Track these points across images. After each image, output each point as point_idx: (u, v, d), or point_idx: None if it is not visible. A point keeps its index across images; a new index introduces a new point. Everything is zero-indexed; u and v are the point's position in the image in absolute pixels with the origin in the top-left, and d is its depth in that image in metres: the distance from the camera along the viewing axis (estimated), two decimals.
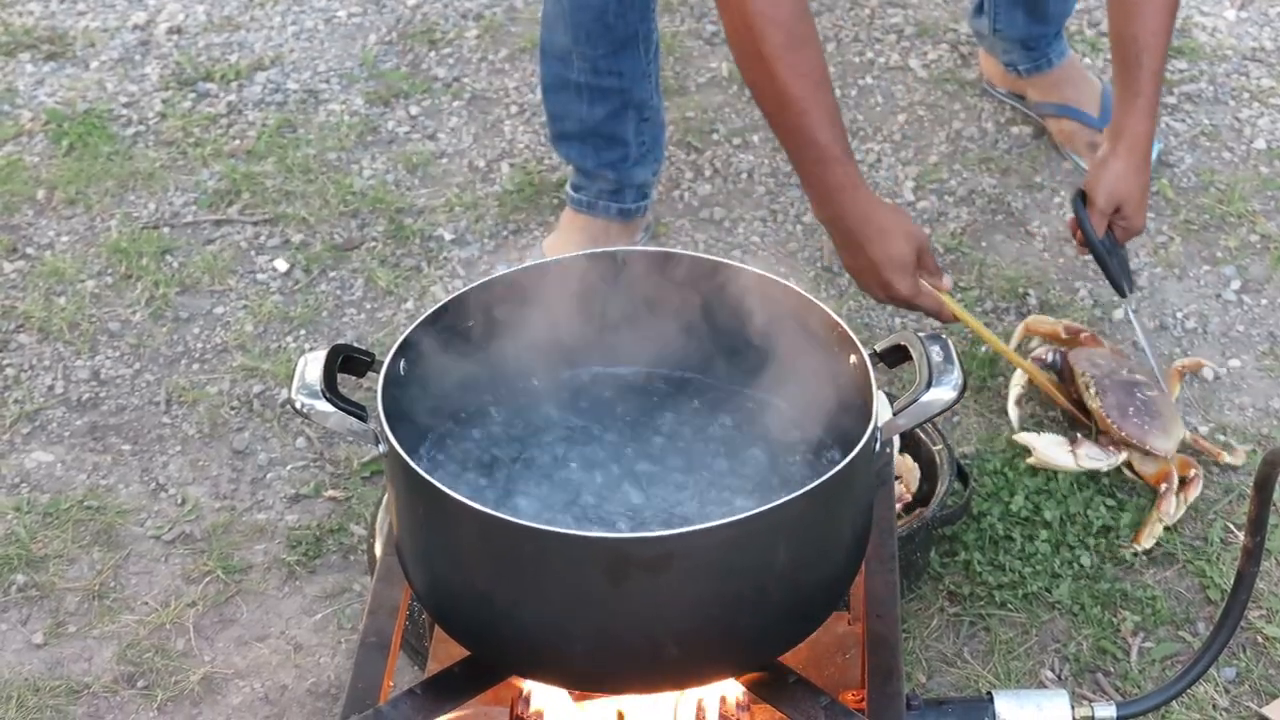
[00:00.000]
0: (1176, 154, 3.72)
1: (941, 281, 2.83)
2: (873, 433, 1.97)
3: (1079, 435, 3.00)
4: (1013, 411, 3.09)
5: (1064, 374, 3.10)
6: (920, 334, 2.06)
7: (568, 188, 3.38)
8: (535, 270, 2.21)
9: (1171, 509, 2.89)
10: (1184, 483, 2.94)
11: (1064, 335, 3.17)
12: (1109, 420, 2.96)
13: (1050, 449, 2.96)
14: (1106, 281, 3.11)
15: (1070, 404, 3.09)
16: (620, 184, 3.31)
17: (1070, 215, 3.07)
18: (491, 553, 1.92)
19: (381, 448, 1.99)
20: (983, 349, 3.22)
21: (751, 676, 2.06)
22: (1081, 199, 3.01)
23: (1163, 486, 2.92)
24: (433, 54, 4.13)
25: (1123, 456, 2.97)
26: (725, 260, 2.20)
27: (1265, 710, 2.63)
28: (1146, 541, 2.87)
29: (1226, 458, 3.02)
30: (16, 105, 4.00)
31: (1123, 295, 3.11)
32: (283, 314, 3.41)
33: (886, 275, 2.74)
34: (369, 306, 3.43)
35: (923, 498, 2.84)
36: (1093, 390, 3.00)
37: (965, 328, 3.02)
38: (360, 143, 3.86)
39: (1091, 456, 2.95)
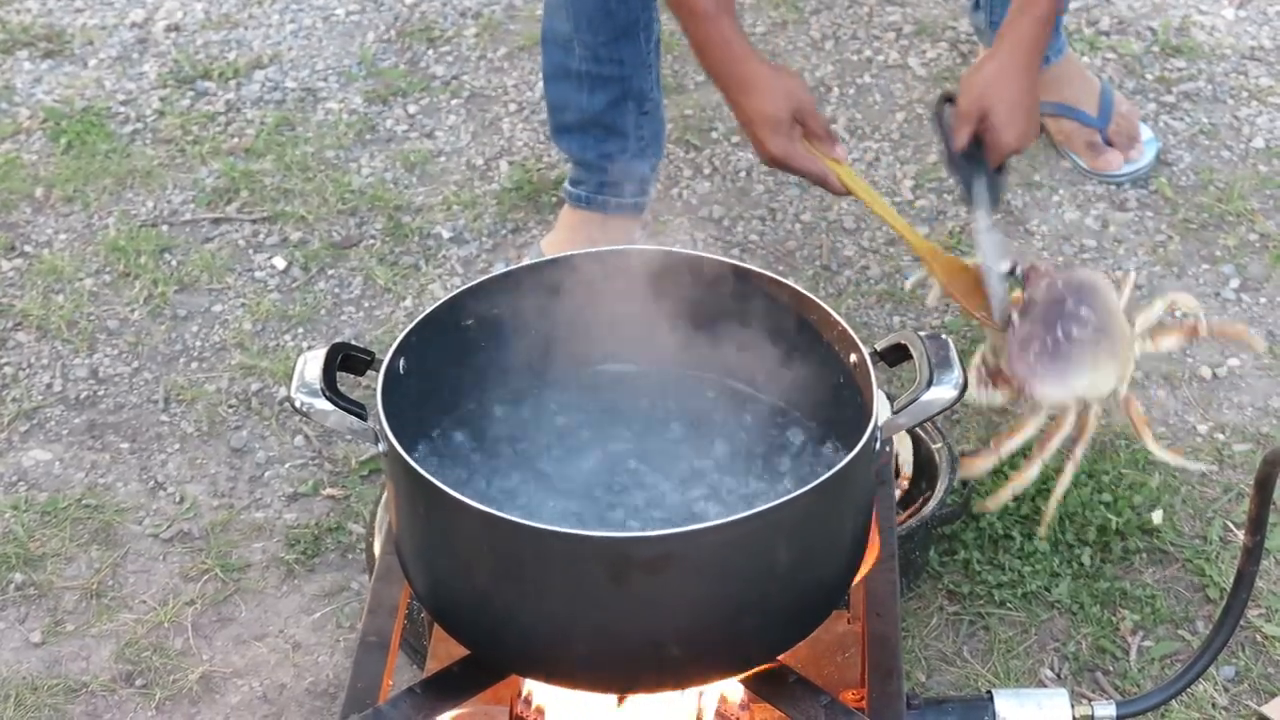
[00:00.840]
0: (1175, 152, 3.72)
1: (832, 149, 2.72)
2: (873, 431, 1.97)
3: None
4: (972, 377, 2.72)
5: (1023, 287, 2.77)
6: (921, 333, 2.07)
7: (566, 184, 3.38)
8: (534, 268, 2.21)
9: (1030, 476, 2.66)
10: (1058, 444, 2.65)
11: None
12: (1007, 349, 2.65)
13: (973, 383, 2.66)
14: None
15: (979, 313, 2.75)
16: (619, 177, 3.31)
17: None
18: (491, 552, 1.92)
19: (381, 446, 1.98)
20: (980, 348, 3.21)
21: (751, 675, 2.05)
22: (948, 102, 2.80)
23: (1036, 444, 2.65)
24: (431, 52, 4.13)
25: (999, 396, 2.68)
26: (725, 258, 2.20)
27: (1264, 709, 2.63)
28: (993, 504, 2.73)
29: (1154, 449, 2.73)
30: (14, 103, 4.00)
31: (972, 206, 2.79)
32: (281, 312, 3.41)
33: (758, 132, 2.69)
34: (367, 305, 3.43)
35: (921, 494, 2.84)
36: (1016, 311, 2.67)
37: (858, 200, 2.84)
38: (359, 141, 3.86)
39: (999, 396, 2.68)
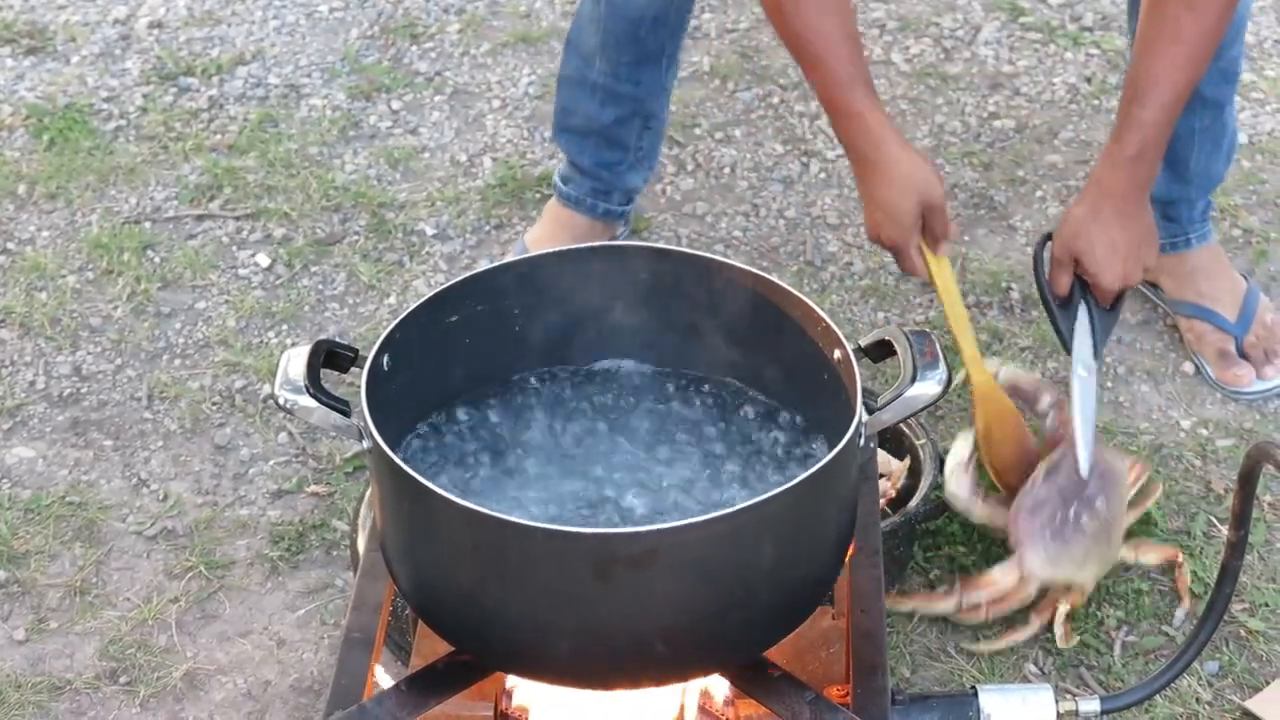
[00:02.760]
0: None
1: (940, 249, 2.64)
2: (857, 427, 1.97)
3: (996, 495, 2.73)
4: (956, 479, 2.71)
5: (1049, 436, 2.75)
6: (905, 329, 2.07)
7: (556, 178, 3.38)
8: (519, 265, 2.21)
9: (935, 606, 2.67)
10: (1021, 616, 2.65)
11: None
12: (1018, 499, 2.63)
13: (959, 477, 2.68)
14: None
15: (996, 469, 2.73)
16: (611, 186, 3.32)
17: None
18: (476, 548, 1.92)
19: (366, 443, 1.98)
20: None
21: (736, 671, 2.06)
22: (1049, 241, 2.72)
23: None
24: (414, 48, 4.13)
25: (981, 513, 2.68)
26: (709, 255, 2.20)
27: (1248, 703, 2.63)
28: (903, 609, 2.69)
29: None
30: None
31: (1067, 352, 2.70)
32: (265, 309, 3.40)
33: (878, 217, 2.61)
34: (351, 301, 3.43)
35: (903, 495, 2.84)
36: (1044, 466, 2.64)
37: (939, 303, 2.79)
38: (342, 137, 3.86)
39: (984, 515, 2.68)
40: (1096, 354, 2.68)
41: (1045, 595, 2.65)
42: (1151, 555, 2.75)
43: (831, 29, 2.53)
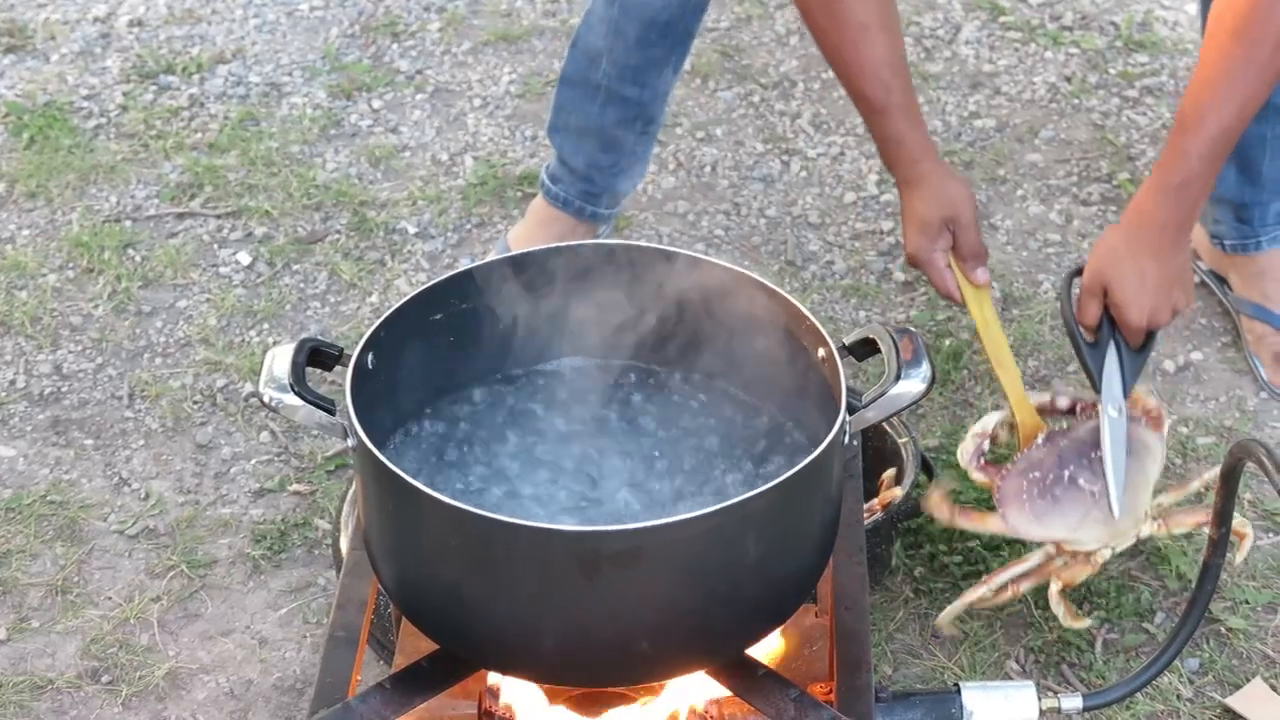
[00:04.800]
0: (1138, 147, 3.73)
1: (973, 271, 2.61)
2: (841, 425, 1.98)
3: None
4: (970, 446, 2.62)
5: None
6: (888, 327, 2.07)
7: (544, 176, 3.37)
8: (503, 263, 2.21)
9: (968, 598, 2.55)
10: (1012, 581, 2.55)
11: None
12: (1011, 461, 2.57)
13: (968, 443, 2.60)
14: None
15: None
16: (601, 189, 3.32)
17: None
18: (461, 546, 1.92)
19: (350, 441, 1.98)
20: (946, 342, 3.23)
21: (721, 669, 2.06)
22: (1079, 275, 2.62)
23: (1001, 576, 2.55)
24: (395, 47, 4.12)
25: (979, 476, 2.58)
26: (692, 253, 2.21)
27: (1229, 700, 2.64)
28: (946, 622, 2.60)
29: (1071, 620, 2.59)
30: None
31: (1095, 390, 2.59)
32: (246, 307, 3.40)
33: (906, 227, 2.61)
34: (333, 300, 3.42)
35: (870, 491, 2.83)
36: (1042, 435, 2.58)
37: (978, 336, 2.71)
38: (323, 136, 3.85)
39: (981, 478, 2.58)
40: (1125, 394, 2.58)
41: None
42: (1183, 521, 2.58)
43: (870, 52, 2.53)
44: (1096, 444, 2.53)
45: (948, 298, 2.64)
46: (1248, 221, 3.24)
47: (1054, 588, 2.55)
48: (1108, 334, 2.58)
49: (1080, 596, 2.80)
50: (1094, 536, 2.51)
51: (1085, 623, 2.59)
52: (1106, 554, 2.54)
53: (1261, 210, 3.23)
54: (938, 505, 2.57)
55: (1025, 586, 2.56)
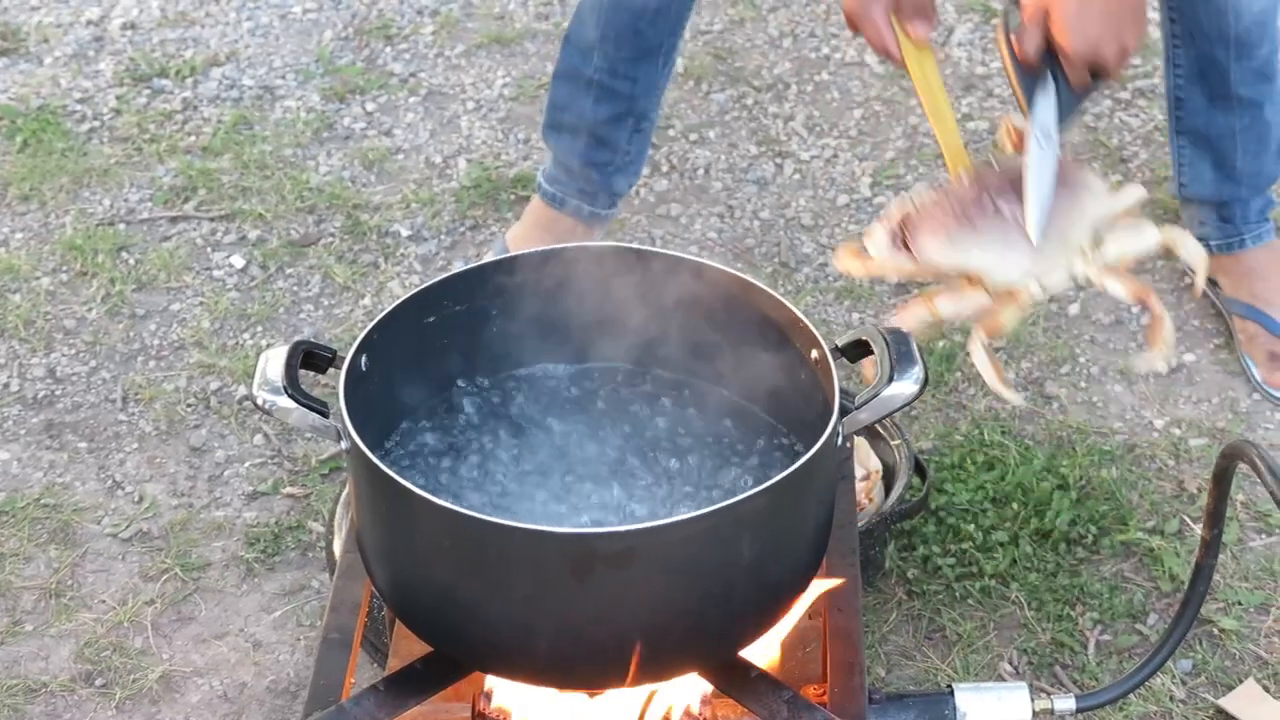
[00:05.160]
0: (1130, 149, 3.74)
1: (916, 27, 2.38)
2: (835, 427, 1.98)
3: None
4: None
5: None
6: (881, 329, 2.07)
7: (540, 178, 3.37)
8: (498, 265, 2.21)
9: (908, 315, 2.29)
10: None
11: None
12: (928, 188, 2.34)
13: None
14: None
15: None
16: (598, 188, 3.32)
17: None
18: (455, 548, 1.92)
19: (344, 443, 1.98)
20: (940, 344, 3.23)
21: (715, 671, 2.06)
22: (1015, 3, 2.38)
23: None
24: (389, 49, 4.13)
25: (902, 264, 2.30)
26: (686, 255, 2.21)
27: (1222, 701, 2.65)
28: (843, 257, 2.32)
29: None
30: None
31: (1024, 114, 2.38)
32: (240, 311, 3.40)
33: None
34: (326, 303, 3.43)
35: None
36: (968, 174, 2.36)
37: (916, 94, 2.50)
38: (316, 139, 3.85)
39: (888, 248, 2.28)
40: (1059, 125, 2.37)
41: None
42: (1120, 286, 2.33)
43: None
44: (1022, 179, 2.33)
45: (886, 56, 2.40)
46: (1230, 220, 3.26)
47: (978, 339, 2.34)
48: (1048, 66, 2.37)
49: (1073, 598, 2.80)
50: (1016, 265, 2.28)
51: (1016, 398, 2.31)
52: (1035, 290, 2.30)
53: (1243, 207, 3.25)
54: (847, 259, 2.33)
55: (946, 310, 2.31)
